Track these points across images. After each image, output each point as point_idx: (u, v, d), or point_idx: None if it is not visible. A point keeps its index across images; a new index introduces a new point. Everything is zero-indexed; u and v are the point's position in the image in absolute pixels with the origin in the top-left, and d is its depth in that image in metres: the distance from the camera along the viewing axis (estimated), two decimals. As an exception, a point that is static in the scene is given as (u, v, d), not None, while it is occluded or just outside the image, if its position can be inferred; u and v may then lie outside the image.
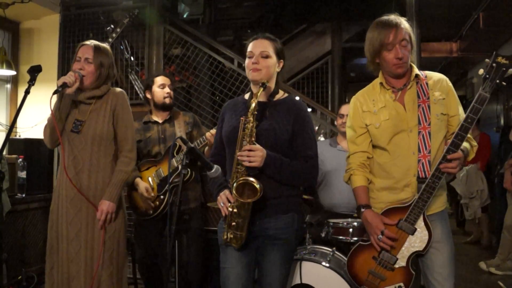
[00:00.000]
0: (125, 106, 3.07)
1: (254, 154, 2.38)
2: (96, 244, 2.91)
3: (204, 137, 3.49)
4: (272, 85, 2.62)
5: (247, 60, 2.59)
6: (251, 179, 2.37)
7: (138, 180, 3.56)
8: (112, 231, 2.96)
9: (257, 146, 2.41)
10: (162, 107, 3.71)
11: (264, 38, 2.59)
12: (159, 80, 3.71)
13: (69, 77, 2.82)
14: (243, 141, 2.43)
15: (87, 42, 3.00)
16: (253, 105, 2.42)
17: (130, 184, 3.57)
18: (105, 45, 3.07)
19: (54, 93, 2.78)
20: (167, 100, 3.69)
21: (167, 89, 3.69)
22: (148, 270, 3.69)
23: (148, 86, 3.75)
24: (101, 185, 2.94)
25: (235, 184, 2.37)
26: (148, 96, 3.76)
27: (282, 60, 2.63)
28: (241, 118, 2.48)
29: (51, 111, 2.84)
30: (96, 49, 2.96)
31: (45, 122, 2.95)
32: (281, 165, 2.46)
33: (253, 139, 2.42)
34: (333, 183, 3.73)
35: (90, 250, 2.89)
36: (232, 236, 2.47)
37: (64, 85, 2.78)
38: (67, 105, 2.91)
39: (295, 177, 2.53)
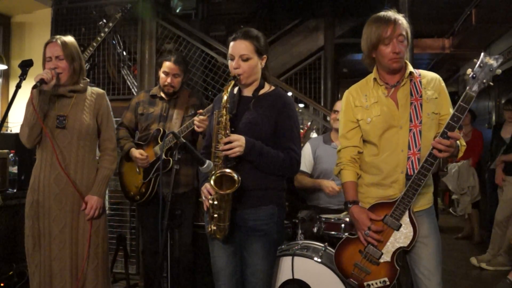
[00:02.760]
0: (109, 108, 3.12)
1: (233, 145, 2.40)
2: (81, 240, 2.93)
3: (191, 122, 3.46)
4: (257, 80, 2.63)
5: (229, 62, 2.59)
6: (228, 170, 2.40)
7: (132, 149, 3.59)
8: (96, 226, 2.99)
9: (234, 135, 2.43)
10: (162, 91, 3.68)
11: (243, 39, 2.56)
12: (165, 66, 3.62)
13: (46, 74, 2.80)
14: (219, 135, 2.46)
15: (52, 40, 2.96)
16: (225, 98, 2.46)
17: (126, 153, 3.61)
18: (69, 37, 3.02)
19: (33, 87, 2.77)
20: (166, 89, 3.62)
21: (169, 79, 3.59)
22: (151, 258, 3.69)
23: (158, 65, 3.70)
24: (86, 180, 2.98)
25: (213, 177, 2.39)
26: (159, 73, 3.70)
27: (265, 56, 2.63)
28: (214, 112, 2.52)
29: (33, 107, 2.81)
30: (63, 44, 2.93)
31: None
32: (261, 149, 2.48)
33: (227, 131, 2.45)
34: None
35: (75, 246, 2.92)
36: (215, 228, 2.51)
37: (42, 81, 2.77)
38: (45, 102, 2.89)
39: (275, 165, 2.53)
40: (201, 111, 3.39)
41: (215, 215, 2.47)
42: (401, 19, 2.45)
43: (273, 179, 2.58)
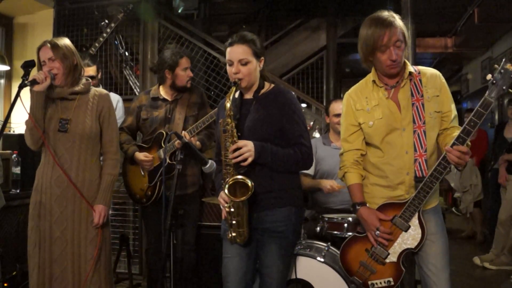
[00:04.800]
0: (111, 109, 3.09)
1: (242, 151, 2.40)
2: (83, 242, 2.92)
3: (200, 122, 3.46)
4: (256, 82, 2.63)
5: (228, 67, 2.58)
6: (240, 177, 2.40)
7: (137, 153, 3.57)
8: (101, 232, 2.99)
9: (242, 141, 2.43)
10: (181, 89, 3.62)
11: (240, 43, 2.54)
12: (184, 62, 3.58)
13: (39, 74, 2.81)
14: (226, 143, 2.45)
15: (43, 44, 2.96)
16: (228, 105, 2.45)
17: (130, 157, 3.59)
18: (60, 38, 3.02)
19: (21, 87, 2.76)
20: (189, 84, 3.61)
21: (189, 72, 3.60)
22: (155, 258, 3.67)
23: (171, 67, 3.58)
24: (88, 182, 2.96)
25: (226, 185, 2.40)
26: (167, 75, 3.60)
27: (262, 58, 2.62)
28: (220, 121, 2.52)
29: (26, 110, 2.82)
30: (53, 45, 2.92)
31: None
32: (271, 150, 2.48)
33: (235, 138, 2.44)
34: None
35: (77, 247, 2.91)
36: (235, 234, 2.51)
37: (34, 82, 2.78)
38: (40, 103, 2.88)
39: (288, 162, 2.53)
40: (185, 133, 3.39)
41: (234, 222, 2.48)
42: (397, 20, 2.39)
43: (288, 179, 2.58)
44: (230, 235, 2.53)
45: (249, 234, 2.52)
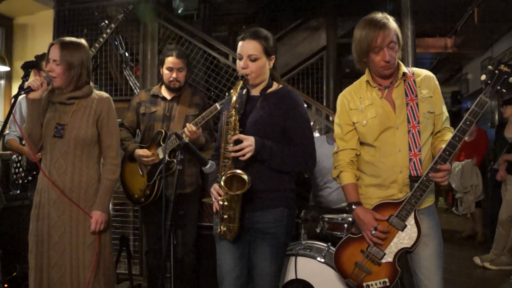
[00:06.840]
0: (111, 113, 2.99)
1: (244, 145, 2.39)
2: (81, 247, 2.87)
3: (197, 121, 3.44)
4: (265, 80, 2.63)
5: (237, 61, 2.59)
6: (239, 171, 2.38)
7: (137, 150, 3.56)
8: (101, 239, 2.95)
9: (243, 136, 2.42)
10: (167, 88, 3.64)
11: (252, 39, 2.55)
12: (168, 61, 3.56)
13: (34, 81, 2.75)
14: (228, 135, 2.45)
15: (55, 41, 2.86)
16: (234, 98, 2.45)
17: (130, 154, 3.57)
18: (76, 40, 2.91)
19: (16, 95, 2.72)
20: (172, 85, 3.57)
21: (174, 74, 3.55)
22: (155, 258, 3.66)
23: (160, 63, 3.65)
24: (84, 187, 2.90)
25: (223, 178, 2.38)
26: (161, 72, 3.66)
27: (273, 56, 2.62)
28: (224, 112, 2.52)
29: (14, 116, 2.81)
30: (63, 47, 2.82)
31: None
32: (271, 148, 2.47)
33: (237, 132, 2.43)
34: (333, 181, 3.74)
35: (75, 252, 2.86)
36: (225, 229, 2.49)
37: (28, 89, 2.72)
38: (37, 111, 2.83)
39: (287, 161, 2.52)
40: (190, 125, 3.38)
41: (225, 216, 2.46)
42: (391, 22, 2.42)
43: (283, 180, 2.57)
44: (219, 229, 2.51)
45: (239, 231, 2.50)
